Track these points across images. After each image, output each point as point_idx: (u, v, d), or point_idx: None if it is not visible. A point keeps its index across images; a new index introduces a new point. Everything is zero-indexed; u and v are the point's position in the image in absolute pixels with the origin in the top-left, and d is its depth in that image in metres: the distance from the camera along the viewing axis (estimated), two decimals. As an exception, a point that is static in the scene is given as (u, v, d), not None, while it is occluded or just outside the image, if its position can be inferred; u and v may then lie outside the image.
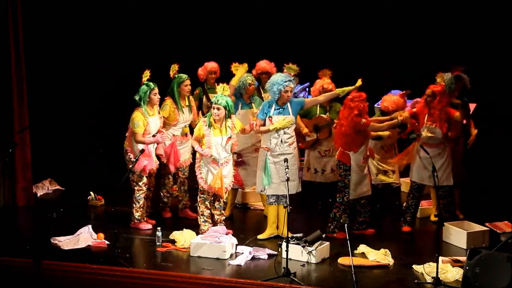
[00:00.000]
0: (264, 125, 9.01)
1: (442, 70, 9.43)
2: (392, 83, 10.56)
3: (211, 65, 10.25)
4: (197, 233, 9.00)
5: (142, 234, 9.29)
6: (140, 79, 9.29)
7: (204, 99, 10.21)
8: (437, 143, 9.27)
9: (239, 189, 10.16)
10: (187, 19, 12.31)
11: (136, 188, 9.36)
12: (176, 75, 9.64)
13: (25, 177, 10.44)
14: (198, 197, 9.12)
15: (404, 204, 9.64)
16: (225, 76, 9.96)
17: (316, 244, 8.44)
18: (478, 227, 9.10)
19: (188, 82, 9.65)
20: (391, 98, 9.56)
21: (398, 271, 8.27)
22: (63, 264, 8.22)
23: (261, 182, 9.08)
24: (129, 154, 9.32)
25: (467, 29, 11.15)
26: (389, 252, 8.54)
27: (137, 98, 9.24)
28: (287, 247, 8.14)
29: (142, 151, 9.09)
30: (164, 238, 8.94)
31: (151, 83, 9.28)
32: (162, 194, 9.95)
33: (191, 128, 9.78)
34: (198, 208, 9.13)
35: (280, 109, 8.98)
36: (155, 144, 9.42)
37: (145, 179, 9.37)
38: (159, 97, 9.37)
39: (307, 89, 10.68)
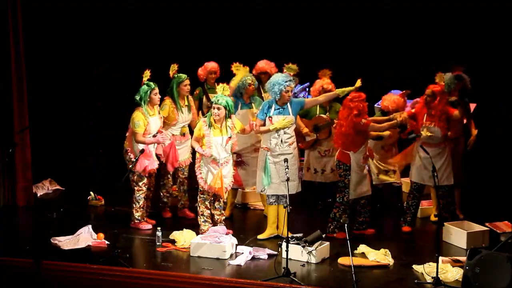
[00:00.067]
0: (264, 125, 9.01)
1: (442, 70, 9.43)
2: (392, 83, 10.55)
3: (211, 65, 10.26)
4: (197, 233, 9.00)
5: (142, 234, 9.29)
6: (140, 79, 9.29)
7: (204, 99, 10.22)
8: (437, 142, 9.27)
9: (239, 189, 10.17)
10: (187, 19, 12.30)
11: (136, 188, 9.36)
12: (176, 75, 9.64)
13: (25, 177, 10.44)
14: (198, 197, 9.11)
15: (405, 204, 9.65)
16: (225, 76, 9.97)
17: (316, 244, 8.44)
18: (478, 227, 9.10)
19: (187, 82, 9.65)
20: (391, 98, 9.57)
21: (398, 271, 8.27)
22: (63, 264, 8.22)
23: (261, 182, 9.08)
24: (129, 154, 9.32)
25: (467, 29, 11.15)
26: (389, 252, 8.54)
27: (137, 98, 9.24)
28: (287, 247, 8.14)
29: (142, 151, 9.09)
30: (164, 238, 8.94)
31: (151, 83, 9.28)
32: (162, 194, 9.95)
33: (191, 128, 9.79)
34: (198, 208, 9.13)
35: (280, 109, 8.98)
36: (155, 144, 9.42)
37: (145, 179, 9.37)
38: (160, 97, 9.37)
39: (307, 89, 10.68)
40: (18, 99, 10.32)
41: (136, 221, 9.46)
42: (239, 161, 9.68)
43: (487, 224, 9.34)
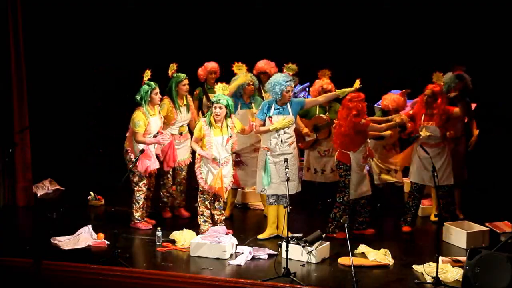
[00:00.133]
0: (264, 125, 9.02)
1: (439, 70, 9.42)
2: (392, 83, 10.55)
3: (211, 65, 10.26)
4: (197, 233, 9.00)
5: (142, 234, 9.29)
6: (140, 79, 9.29)
7: (204, 99, 10.21)
8: (436, 142, 9.27)
9: (239, 189, 10.17)
10: (187, 19, 12.30)
11: (136, 188, 9.36)
12: (175, 75, 9.63)
13: (25, 177, 10.44)
14: (198, 197, 9.11)
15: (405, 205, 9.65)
16: (225, 76, 9.96)
17: (316, 244, 8.44)
18: (478, 227, 9.10)
19: (186, 81, 9.64)
20: (391, 97, 9.57)
21: (398, 271, 8.27)
22: (63, 264, 8.22)
23: (261, 182, 9.08)
24: (129, 154, 9.32)
25: (467, 29, 11.15)
26: (389, 252, 8.54)
27: (138, 97, 9.24)
28: (287, 247, 8.14)
29: (142, 151, 9.08)
30: (164, 238, 8.94)
31: (152, 83, 9.28)
32: (162, 194, 9.95)
33: (189, 127, 9.79)
34: (198, 208, 9.13)
35: (280, 109, 8.98)
36: (156, 145, 9.41)
37: (145, 180, 9.37)
38: (160, 96, 9.37)
39: (307, 89, 10.68)
40: (18, 99, 10.32)
41: (136, 221, 9.46)
42: (238, 161, 9.68)
43: (487, 224, 9.34)
